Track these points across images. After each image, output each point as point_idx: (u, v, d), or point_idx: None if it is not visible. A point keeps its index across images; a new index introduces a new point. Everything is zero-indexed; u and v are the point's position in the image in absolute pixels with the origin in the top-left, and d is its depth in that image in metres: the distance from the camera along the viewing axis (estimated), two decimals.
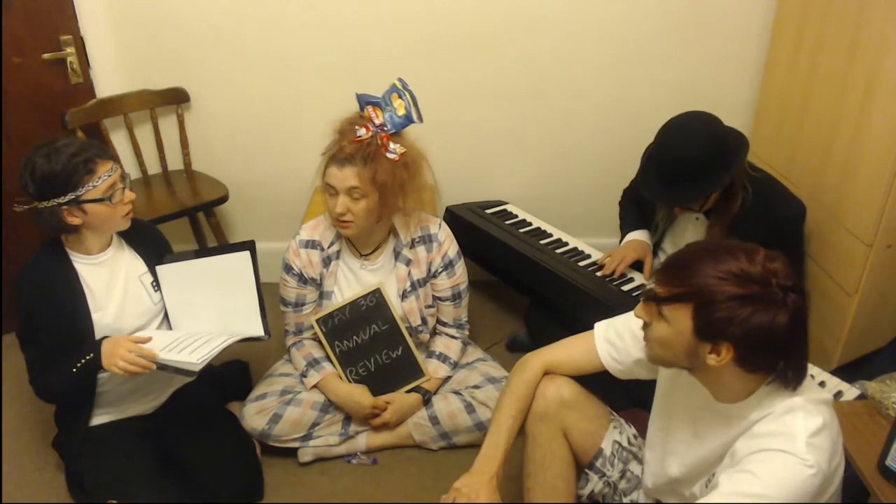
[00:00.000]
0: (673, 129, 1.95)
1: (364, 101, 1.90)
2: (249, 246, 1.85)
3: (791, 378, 1.21)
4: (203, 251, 1.91)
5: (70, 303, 1.76)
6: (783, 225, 2.00)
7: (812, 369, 1.88)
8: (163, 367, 1.70)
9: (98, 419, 1.91)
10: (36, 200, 1.67)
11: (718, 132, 1.92)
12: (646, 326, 1.30)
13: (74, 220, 1.70)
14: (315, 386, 2.08)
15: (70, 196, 1.65)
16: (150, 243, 1.95)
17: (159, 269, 1.89)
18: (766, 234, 1.98)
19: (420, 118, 1.92)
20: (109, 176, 1.68)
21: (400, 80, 1.91)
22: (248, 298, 1.83)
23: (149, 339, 1.73)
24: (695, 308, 1.19)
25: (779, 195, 2.04)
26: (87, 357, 1.68)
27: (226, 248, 1.90)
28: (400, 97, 1.90)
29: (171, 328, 1.91)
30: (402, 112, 1.89)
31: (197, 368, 1.67)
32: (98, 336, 1.77)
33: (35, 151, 1.67)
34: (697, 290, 1.18)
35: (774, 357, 1.19)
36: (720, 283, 1.16)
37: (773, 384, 1.23)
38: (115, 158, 1.76)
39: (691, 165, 1.88)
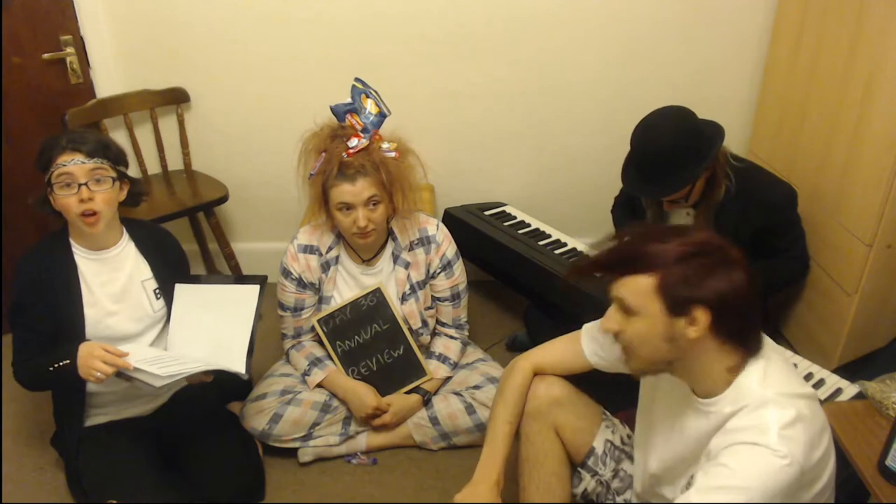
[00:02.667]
0: (646, 125, 1.98)
1: (342, 111, 1.90)
2: (261, 280, 1.85)
3: (753, 345, 1.25)
4: (221, 277, 1.91)
5: (63, 293, 1.77)
6: (775, 211, 2.03)
7: (812, 368, 1.88)
8: (128, 378, 1.69)
9: (95, 419, 1.92)
10: None
11: (690, 122, 1.95)
12: (618, 337, 1.29)
13: (52, 201, 1.74)
14: (319, 385, 2.08)
15: (46, 176, 1.71)
16: (162, 251, 1.94)
17: (178, 287, 1.89)
18: (760, 221, 2.00)
19: (388, 110, 1.93)
20: (63, 166, 1.68)
21: (358, 79, 1.92)
22: (242, 332, 1.81)
23: (126, 354, 1.68)
24: (658, 281, 1.19)
25: (765, 182, 2.07)
26: (64, 362, 1.67)
27: (241, 278, 1.90)
28: (367, 96, 1.90)
29: (167, 342, 1.91)
30: (375, 110, 1.90)
31: (158, 384, 1.66)
32: (88, 331, 1.78)
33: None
34: (654, 257, 1.20)
35: (743, 316, 1.22)
36: (675, 247, 1.19)
37: (742, 376, 1.25)
38: (90, 153, 1.71)
39: (667, 156, 1.91)
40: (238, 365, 1.77)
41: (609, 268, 1.25)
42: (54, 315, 1.77)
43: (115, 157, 1.77)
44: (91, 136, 1.75)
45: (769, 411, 1.19)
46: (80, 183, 1.70)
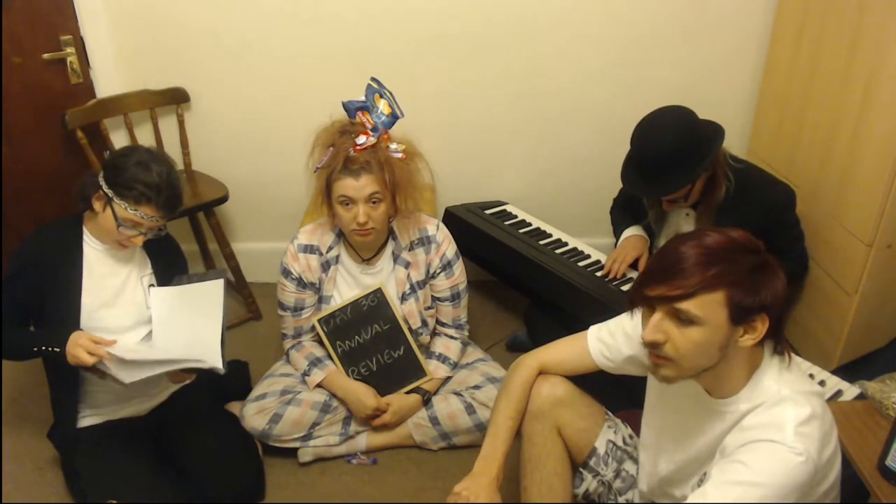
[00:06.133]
0: (646, 125, 1.99)
1: (353, 107, 1.90)
2: (222, 274, 1.87)
3: (782, 346, 1.26)
4: (187, 277, 1.92)
5: (65, 276, 1.78)
6: (774, 211, 2.04)
7: (812, 369, 1.88)
8: (100, 371, 1.70)
9: (92, 419, 1.92)
10: (102, 169, 1.77)
11: (690, 122, 1.95)
12: (660, 346, 1.22)
13: (97, 206, 1.76)
14: (319, 385, 2.08)
15: (110, 192, 1.72)
16: (165, 252, 1.96)
17: (153, 291, 1.89)
18: (759, 222, 2.00)
19: (402, 113, 1.94)
20: (141, 217, 1.72)
21: (374, 79, 1.93)
22: (213, 328, 1.82)
23: (112, 343, 1.71)
24: (727, 295, 1.17)
25: (764, 183, 2.08)
26: (54, 348, 1.68)
27: (203, 275, 1.91)
28: (381, 96, 1.91)
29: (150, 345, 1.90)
30: (387, 111, 1.91)
31: (126, 380, 1.68)
32: (82, 319, 1.78)
33: (147, 150, 1.79)
34: (721, 273, 1.17)
35: (782, 318, 1.23)
36: (737, 260, 1.18)
37: (759, 374, 1.25)
38: (168, 213, 1.77)
39: (666, 156, 1.91)
40: (215, 360, 1.78)
41: (678, 295, 1.18)
42: (46, 294, 1.77)
43: (176, 209, 1.81)
44: (175, 192, 1.77)
45: (785, 408, 1.21)
46: (142, 232, 1.76)
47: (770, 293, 1.18)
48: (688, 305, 1.18)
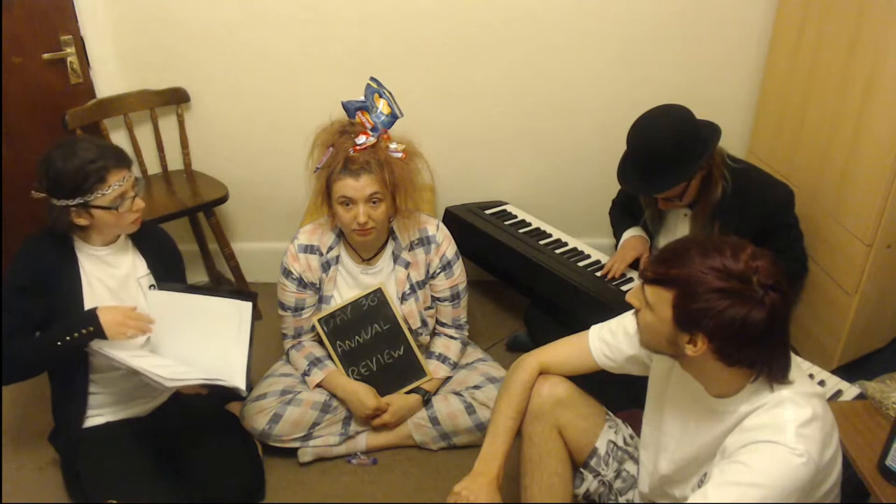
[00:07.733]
0: (642, 123, 1.99)
1: (353, 107, 1.90)
2: (252, 297, 1.84)
3: (775, 373, 1.24)
4: (205, 289, 1.90)
5: (66, 284, 1.78)
6: (772, 212, 2.04)
7: (812, 369, 1.89)
8: (138, 372, 1.70)
9: (94, 420, 1.91)
10: (49, 196, 1.71)
11: (686, 121, 1.96)
12: (636, 312, 1.35)
13: (82, 222, 1.73)
14: (319, 385, 2.08)
15: (79, 200, 1.68)
16: (158, 249, 1.95)
17: (151, 294, 1.87)
18: (758, 222, 2.00)
19: (401, 112, 1.94)
20: (120, 185, 1.70)
21: (373, 79, 1.93)
22: (239, 349, 1.81)
23: (151, 321, 1.74)
24: (675, 297, 1.22)
25: (763, 183, 2.08)
26: (87, 329, 1.66)
27: (229, 292, 1.88)
28: (381, 96, 1.91)
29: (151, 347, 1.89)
30: (387, 111, 1.91)
31: (167, 384, 1.69)
32: None
33: (54, 150, 1.70)
34: (679, 278, 1.22)
35: (751, 352, 1.21)
36: (701, 275, 1.20)
37: (759, 380, 1.25)
38: (129, 165, 1.76)
39: (662, 154, 1.92)
40: (238, 381, 1.78)
41: (649, 272, 1.30)
42: (54, 302, 1.76)
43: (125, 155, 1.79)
44: (108, 145, 1.74)
45: (786, 409, 1.21)
46: (132, 196, 1.74)
47: (715, 323, 1.17)
48: (648, 288, 1.28)
